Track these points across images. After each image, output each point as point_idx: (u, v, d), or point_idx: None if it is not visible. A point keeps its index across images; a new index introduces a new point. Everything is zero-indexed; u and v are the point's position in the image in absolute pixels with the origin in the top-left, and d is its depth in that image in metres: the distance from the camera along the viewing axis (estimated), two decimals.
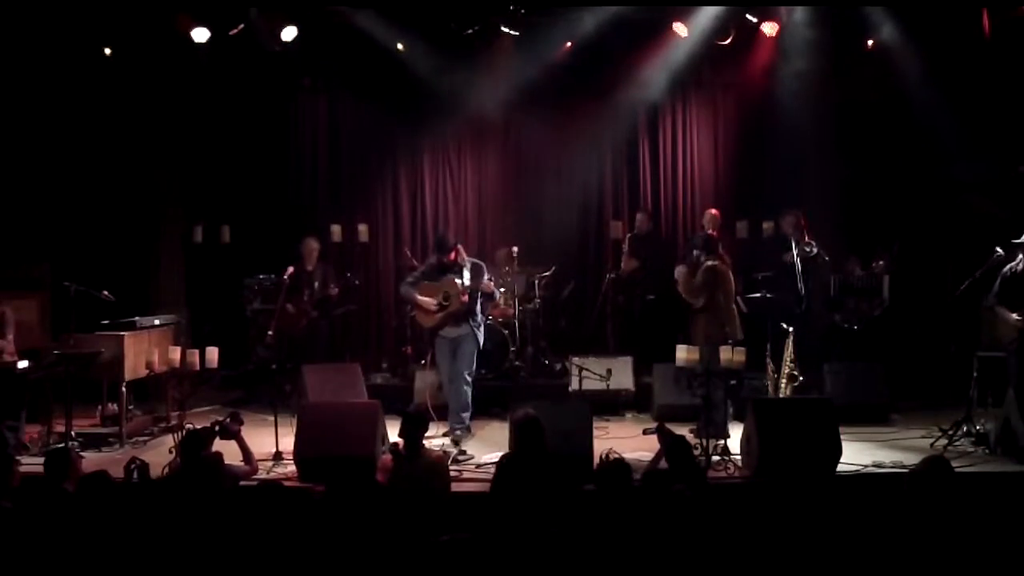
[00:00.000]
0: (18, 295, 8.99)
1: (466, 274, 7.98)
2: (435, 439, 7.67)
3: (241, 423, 6.32)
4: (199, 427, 6.18)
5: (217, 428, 6.13)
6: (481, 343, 8.10)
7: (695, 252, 8.09)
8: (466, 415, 8.00)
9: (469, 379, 8.04)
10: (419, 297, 8.04)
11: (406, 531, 4.66)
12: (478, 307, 7.99)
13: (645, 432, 6.35)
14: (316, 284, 9.67)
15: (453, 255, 8.05)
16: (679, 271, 8.11)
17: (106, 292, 8.44)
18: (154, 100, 10.36)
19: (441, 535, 4.15)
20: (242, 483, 5.86)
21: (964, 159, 9.76)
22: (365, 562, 4.32)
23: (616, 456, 5.50)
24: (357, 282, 10.02)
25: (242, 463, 6.14)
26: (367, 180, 11.08)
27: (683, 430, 6.91)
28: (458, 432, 7.88)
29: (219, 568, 4.30)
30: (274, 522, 4.38)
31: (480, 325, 8.05)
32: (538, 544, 4.25)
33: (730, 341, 7.51)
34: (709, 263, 7.92)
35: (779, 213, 9.64)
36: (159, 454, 7.13)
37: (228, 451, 6.05)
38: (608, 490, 4.94)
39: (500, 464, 5.80)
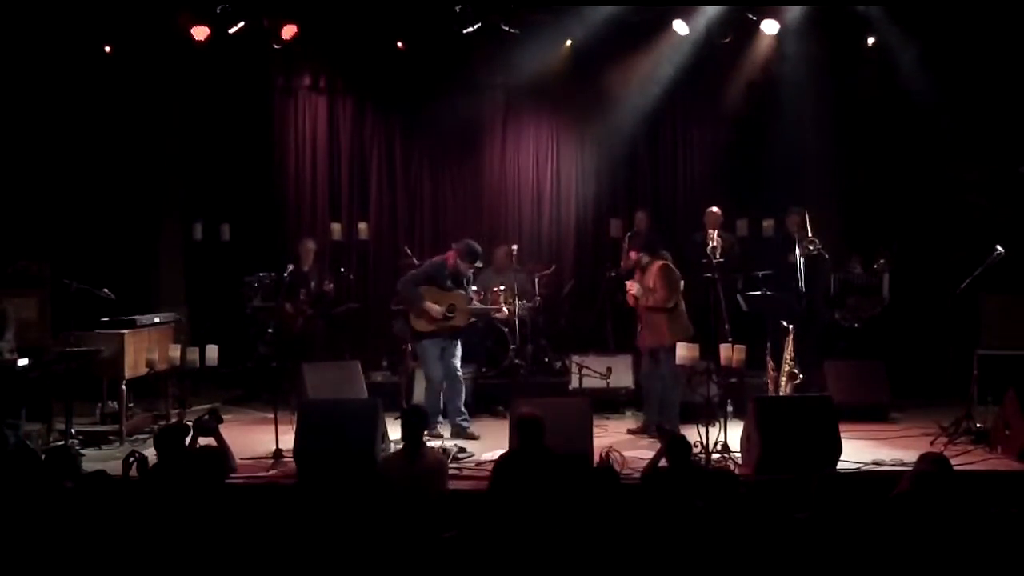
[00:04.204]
0: (18, 292, 8.94)
1: (472, 288, 8.05)
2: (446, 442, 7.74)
3: (220, 420, 6.25)
4: (173, 422, 6.15)
5: (195, 423, 6.11)
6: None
7: (638, 255, 8.01)
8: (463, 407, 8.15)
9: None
10: (427, 303, 7.98)
11: (405, 529, 4.65)
12: None
13: (629, 432, 6.33)
14: (312, 284, 9.69)
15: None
16: (636, 287, 7.93)
17: (106, 290, 8.44)
18: (154, 98, 10.35)
19: (440, 533, 4.15)
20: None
21: (964, 159, 9.77)
22: (364, 560, 4.32)
23: (616, 454, 5.49)
24: (352, 276, 10.05)
25: None
26: (367, 179, 11.08)
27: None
28: (464, 424, 7.99)
29: (210, 566, 4.29)
30: (269, 520, 4.37)
31: None
32: (534, 543, 4.25)
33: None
34: (661, 262, 7.88)
35: (784, 211, 9.63)
36: None
37: None
38: (601, 493, 4.90)
39: (499, 463, 5.78)
